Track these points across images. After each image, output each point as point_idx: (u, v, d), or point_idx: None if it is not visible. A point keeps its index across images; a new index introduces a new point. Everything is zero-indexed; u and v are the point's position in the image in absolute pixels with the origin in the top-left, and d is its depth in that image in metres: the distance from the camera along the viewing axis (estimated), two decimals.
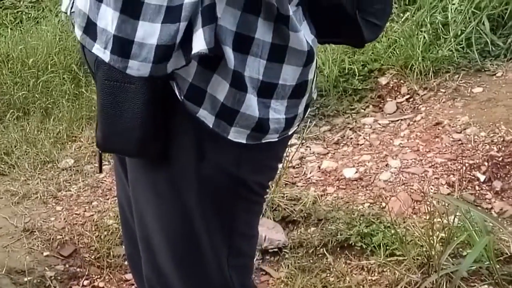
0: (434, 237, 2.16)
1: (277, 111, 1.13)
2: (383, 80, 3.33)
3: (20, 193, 2.81)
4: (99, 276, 2.42)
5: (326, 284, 2.24)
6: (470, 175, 2.61)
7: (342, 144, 3.01)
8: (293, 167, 2.84)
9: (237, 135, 1.11)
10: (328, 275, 2.28)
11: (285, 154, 2.38)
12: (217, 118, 1.09)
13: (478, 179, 2.60)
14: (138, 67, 1.03)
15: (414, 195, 2.54)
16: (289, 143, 1.38)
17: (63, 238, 2.54)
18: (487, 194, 2.56)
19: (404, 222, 2.36)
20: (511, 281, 2.06)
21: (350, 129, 3.10)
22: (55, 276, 2.39)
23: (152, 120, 1.10)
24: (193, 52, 1.01)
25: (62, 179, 2.93)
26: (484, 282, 2.11)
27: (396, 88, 3.30)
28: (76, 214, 2.69)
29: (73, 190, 2.85)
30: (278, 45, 1.09)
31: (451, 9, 3.44)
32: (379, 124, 3.10)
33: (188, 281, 1.24)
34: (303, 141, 3.01)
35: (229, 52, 1.05)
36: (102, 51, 1.06)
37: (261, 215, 1.91)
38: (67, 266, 2.45)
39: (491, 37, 3.35)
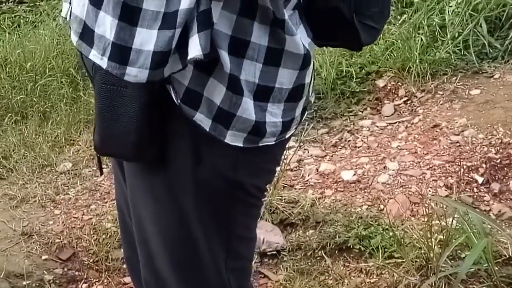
0: (433, 239, 2.16)
1: (274, 115, 1.14)
2: (380, 83, 3.34)
3: (19, 196, 2.81)
4: (97, 280, 2.42)
5: (324, 287, 2.24)
6: (468, 177, 2.61)
7: (340, 147, 3.01)
8: (291, 170, 2.84)
9: (233, 138, 1.11)
10: (327, 277, 2.28)
11: (283, 157, 2.38)
12: (213, 122, 1.10)
13: (476, 181, 2.60)
14: (135, 74, 1.03)
15: (412, 197, 2.54)
16: (287, 146, 1.38)
17: (61, 241, 2.54)
18: (485, 196, 2.56)
19: (402, 225, 2.36)
20: (509, 283, 2.06)
21: (348, 132, 3.11)
22: (54, 279, 2.39)
23: (148, 124, 1.10)
24: (188, 58, 1.02)
25: (60, 183, 2.93)
26: (482, 284, 2.10)
27: (393, 91, 3.30)
28: (74, 217, 2.69)
29: (72, 194, 2.85)
30: (274, 48, 1.09)
31: (448, 11, 3.45)
32: (377, 126, 3.10)
33: (186, 284, 1.24)
34: (301, 143, 3.01)
35: (224, 56, 1.05)
36: (99, 58, 1.06)
37: (259, 218, 1.91)
38: (65, 269, 2.45)
39: (489, 39, 3.36)
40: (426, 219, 2.26)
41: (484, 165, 2.64)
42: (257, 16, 1.06)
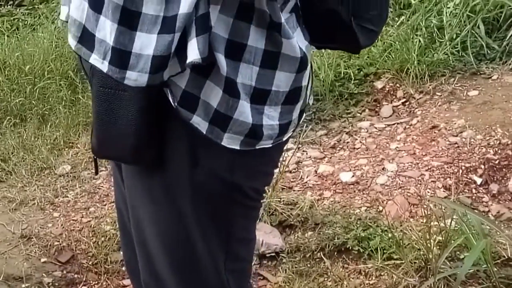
0: (431, 241, 2.16)
1: (271, 117, 1.14)
2: (379, 84, 3.34)
3: (17, 199, 2.81)
4: (96, 282, 2.42)
5: None
6: (466, 178, 2.61)
7: (338, 148, 3.02)
8: (290, 172, 2.84)
9: (230, 141, 1.11)
10: (326, 279, 2.29)
11: (281, 159, 2.38)
12: (210, 125, 1.10)
13: (474, 182, 2.60)
14: (135, 78, 1.04)
15: (411, 198, 2.54)
16: (285, 148, 1.38)
17: (60, 244, 2.54)
18: (483, 197, 2.56)
19: (401, 226, 2.37)
20: (508, 284, 2.06)
21: (346, 133, 3.11)
22: (53, 282, 2.39)
23: (146, 127, 1.10)
24: (187, 62, 1.02)
25: (59, 185, 2.93)
26: (482, 285, 2.11)
27: (392, 92, 3.31)
28: (73, 220, 2.69)
29: (70, 196, 2.85)
30: (271, 51, 1.10)
31: (446, 13, 3.45)
32: (375, 128, 3.10)
33: (185, 285, 1.25)
34: (300, 145, 3.01)
35: (221, 59, 1.06)
36: (100, 62, 1.06)
37: (258, 220, 1.91)
38: (64, 272, 2.45)
39: (486, 40, 3.36)
40: (425, 220, 2.27)
41: (482, 166, 2.64)
42: (254, 19, 1.07)
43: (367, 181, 2.69)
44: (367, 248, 2.31)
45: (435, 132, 2.89)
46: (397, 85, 3.31)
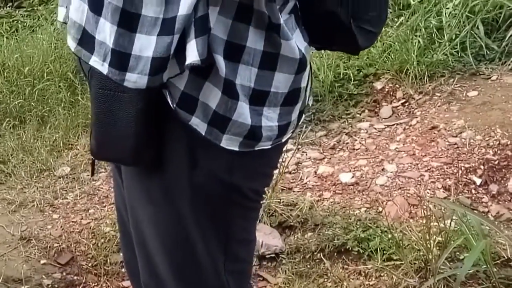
0: (431, 241, 2.16)
1: (270, 119, 1.14)
2: (378, 85, 3.34)
3: (17, 201, 2.81)
4: (96, 284, 2.42)
5: None
6: (466, 178, 2.61)
7: (338, 149, 3.02)
8: (289, 173, 2.84)
9: (229, 142, 1.11)
10: (326, 280, 2.28)
11: (281, 160, 2.38)
12: (209, 126, 1.10)
13: (474, 183, 2.60)
14: (135, 80, 1.04)
15: (411, 199, 2.54)
16: (284, 149, 1.38)
17: (60, 246, 2.53)
18: (483, 197, 2.56)
19: (401, 227, 2.37)
20: (508, 285, 2.06)
21: (346, 134, 3.11)
22: (52, 284, 2.39)
23: (145, 129, 1.10)
24: (186, 63, 1.02)
25: (58, 187, 2.93)
26: (481, 285, 2.11)
27: (391, 93, 3.31)
28: (73, 221, 2.69)
29: (70, 198, 2.85)
30: (270, 53, 1.10)
31: (445, 13, 3.45)
32: (375, 128, 3.10)
33: (185, 286, 1.24)
34: (299, 146, 3.01)
35: (220, 61, 1.05)
36: (100, 64, 1.06)
37: (258, 221, 1.91)
38: (64, 274, 2.45)
39: (486, 41, 3.36)
40: (424, 221, 2.26)
41: (482, 167, 2.64)
42: (253, 20, 1.06)
43: (366, 182, 2.69)
44: (367, 249, 2.31)
45: (434, 133, 2.89)
46: (397, 85, 3.31)
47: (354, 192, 2.66)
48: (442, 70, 3.29)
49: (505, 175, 2.62)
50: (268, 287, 2.32)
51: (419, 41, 3.36)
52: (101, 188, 2.91)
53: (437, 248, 2.17)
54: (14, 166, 3.10)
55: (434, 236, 2.20)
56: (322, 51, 3.26)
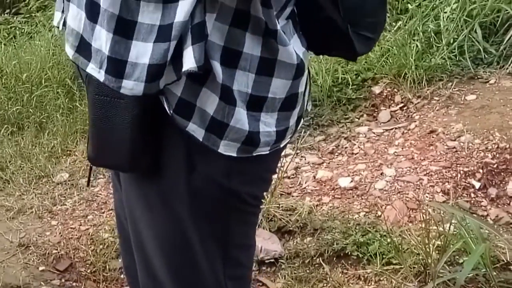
0: (430, 245, 2.16)
1: (268, 124, 1.13)
2: (376, 89, 3.34)
3: (15, 208, 2.81)
4: None
5: None
6: (465, 182, 2.61)
7: (336, 154, 3.01)
8: (288, 177, 2.84)
9: (227, 148, 1.11)
10: (325, 285, 2.28)
11: (280, 164, 2.38)
12: (207, 132, 1.10)
13: (473, 187, 2.60)
14: (131, 87, 1.04)
15: (410, 203, 2.54)
16: (283, 154, 1.38)
17: (58, 252, 2.53)
18: (482, 201, 2.56)
19: (400, 231, 2.36)
20: None
21: (344, 139, 3.11)
22: None
23: (141, 135, 1.10)
24: (183, 70, 1.02)
25: (57, 194, 2.92)
26: None
27: (389, 97, 3.31)
28: (71, 228, 2.68)
29: (68, 204, 2.85)
30: (267, 58, 1.10)
31: (443, 18, 3.46)
32: (374, 133, 3.10)
33: None
34: (298, 151, 3.01)
35: (217, 67, 1.05)
36: (97, 71, 1.06)
37: (257, 226, 1.91)
38: (63, 280, 2.44)
39: (484, 44, 3.37)
40: (423, 225, 2.26)
41: (481, 170, 2.64)
42: (249, 26, 1.06)
43: (365, 186, 2.69)
44: (366, 253, 2.31)
45: (433, 137, 2.89)
46: (395, 90, 3.31)
47: (353, 197, 2.65)
48: (440, 74, 3.29)
49: (504, 178, 2.62)
50: None
51: (417, 45, 3.37)
52: (100, 194, 2.91)
53: (437, 252, 2.16)
54: (12, 173, 3.10)
55: (433, 240, 2.20)
56: (321, 56, 3.27)
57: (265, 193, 1.31)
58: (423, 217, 2.34)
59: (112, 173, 1.40)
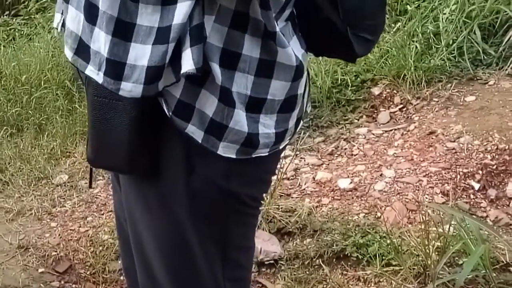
0: (430, 246, 2.16)
1: (267, 126, 1.14)
2: (376, 90, 3.35)
3: (15, 210, 2.80)
4: None
5: None
6: (464, 183, 2.61)
7: (336, 155, 3.01)
8: (288, 179, 2.84)
9: (226, 150, 1.11)
10: (325, 286, 2.28)
11: (279, 166, 2.38)
12: (206, 134, 1.10)
13: (472, 188, 2.60)
14: (130, 89, 1.04)
15: (409, 204, 2.54)
16: (282, 155, 1.38)
17: (58, 254, 2.53)
18: (482, 202, 2.56)
19: (399, 232, 2.36)
20: None
21: (344, 140, 3.11)
22: None
23: (139, 137, 1.10)
24: (181, 72, 1.02)
25: (56, 195, 2.92)
26: None
27: (389, 98, 3.31)
28: (71, 230, 2.68)
29: (68, 206, 2.85)
30: (266, 60, 1.10)
31: (442, 19, 3.46)
32: (373, 134, 3.10)
33: None
34: (297, 152, 3.01)
35: (216, 68, 1.06)
36: (95, 73, 1.06)
37: (257, 227, 1.91)
38: (62, 282, 2.44)
39: (483, 46, 3.37)
40: (423, 226, 2.26)
41: (480, 172, 2.64)
42: (248, 28, 1.07)
43: (365, 188, 2.69)
44: (365, 254, 2.31)
45: (432, 138, 2.89)
46: (394, 91, 3.31)
47: (352, 198, 2.65)
48: (440, 75, 3.29)
49: (503, 179, 2.62)
50: None
51: (416, 47, 3.37)
52: (99, 195, 2.91)
53: (436, 253, 2.16)
54: (11, 175, 3.10)
55: (433, 241, 2.20)
56: (320, 57, 3.27)
57: (264, 195, 1.31)
58: (422, 218, 2.34)
59: (112, 175, 1.40)
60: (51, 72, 3.85)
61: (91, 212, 2.79)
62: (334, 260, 2.36)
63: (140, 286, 1.29)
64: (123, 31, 1.02)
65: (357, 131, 3.15)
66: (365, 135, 3.11)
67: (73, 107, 3.62)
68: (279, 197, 2.65)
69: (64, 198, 2.91)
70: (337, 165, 2.91)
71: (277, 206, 2.57)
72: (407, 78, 3.26)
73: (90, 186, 1.57)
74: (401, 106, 3.25)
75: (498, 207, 2.54)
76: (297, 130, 1.24)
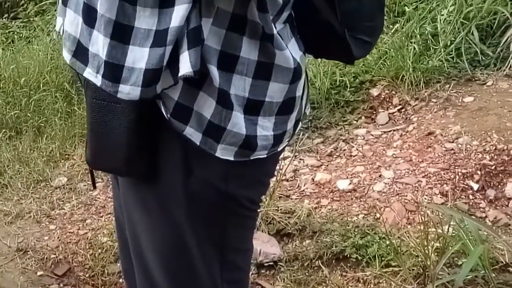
0: (429, 247, 2.16)
1: (265, 128, 1.14)
2: (374, 91, 3.35)
3: (13, 212, 2.80)
4: None
5: None
6: (463, 184, 2.61)
7: (335, 156, 3.02)
8: (287, 180, 2.84)
9: (224, 152, 1.11)
10: (324, 287, 2.28)
11: (278, 167, 2.38)
12: (204, 136, 1.10)
13: (471, 188, 2.60)
14: (128, 91, 1.04)
15: (408, 205, 2.54)
16: (281, 157, 1.38)
17: (57, 257, 2.52)
18: (480, 202, 2.56)
19: (398, 233, 2.36)
20: None
21: (343, 141, 3.11)
22: None
23: (137, 139, 1.11)
24: (179, 74, 1.02)
25: (55, 198, 2.92)
26: None
27: (387, 99, 3.31)
28: (70, 232, 2.68)
29: (67, 209, 2.84)
30: (264, 62, 1.10)
31: (440, 20, 3.46)
32: (372, 135, 3.11)
33: None
34: (296, 153, 3.01)
35: (214, 71, 1.06)
36: (94, 76, 1.07)
37: (256, 229, 1.91)
38: (61, 285, 2.44)
39: (481, 46, 3.38)
40: (422, 227, 2.26)
41: (479, 172, 2.64)
42: (246, 31, 1.07)
43: (364, 189, 2.69)
44: (365, 255, 2.31)
45: (431, 139, 2.89)
46: (393, 92, 3.31)
47: (351, 199, 2.65)
48: (438, 76, 3.30)
49: (502, 180, 2.62)
50: None
51: (414, 48, 3.37)
52: (98, 198, 2.91)
53: (435, 254, 2.16)
54: (10, 177, 3.10)
55: (432, 242, 2.20)
56: (319, 58, 3.27)
57: (263, 197, 1.31)
58: (421, 219, 2.34)
59: (111, 177, 1.40)
60: (50, 74, 3.86)
61: (90, 215, 2.79)
62: (333, 261, 2.36)
63: None
64: (121, 33, 1.02)
65: (356, 132, 3.15)
66: (364, 136, 3.11)
67: (72, 110, 3.62)
68: (278, 198, 2.65)
69: (63, 201, 2.91)
70: (336, 166, 2.91)
71: (276, 208, 2.57)
72: (405, 79, 3.27)
73: (94, 187, 1.57)
74: (400, 107, 3.25)
75: (497, 207, 2.54)
76: (296, 132, 1.24)
